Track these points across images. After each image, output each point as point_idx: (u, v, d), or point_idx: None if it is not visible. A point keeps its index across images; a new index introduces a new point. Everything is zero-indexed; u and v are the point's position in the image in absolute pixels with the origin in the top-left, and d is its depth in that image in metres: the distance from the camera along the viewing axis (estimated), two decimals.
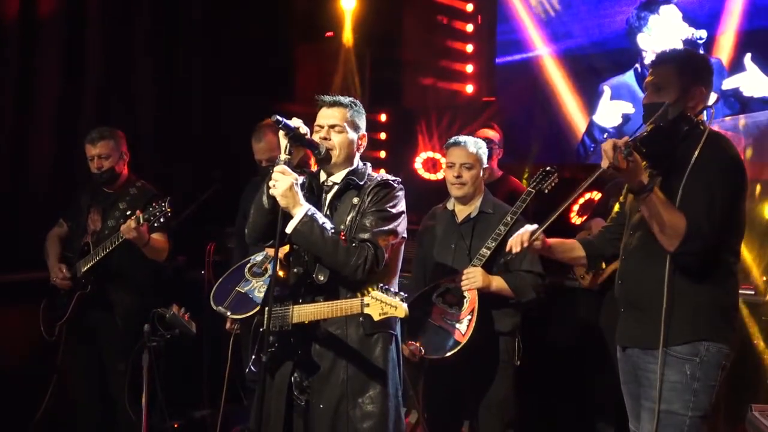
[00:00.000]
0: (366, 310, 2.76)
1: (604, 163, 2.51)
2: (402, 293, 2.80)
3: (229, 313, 3.69)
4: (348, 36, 6.58)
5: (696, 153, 2.60)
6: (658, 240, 2.64)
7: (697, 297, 2.69)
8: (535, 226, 2.93)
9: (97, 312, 4.18)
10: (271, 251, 3.48)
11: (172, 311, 3.75)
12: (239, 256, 4.18)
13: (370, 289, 2.78)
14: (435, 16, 6.73)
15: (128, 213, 4.09)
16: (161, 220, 3.88)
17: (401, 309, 2.75)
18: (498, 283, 3.67)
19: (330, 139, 2.97)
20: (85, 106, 5.29)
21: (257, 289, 3.69)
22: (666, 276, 2.64)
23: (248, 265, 3.86)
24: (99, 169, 4.20)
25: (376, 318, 2.76)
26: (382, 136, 6.69)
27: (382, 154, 6.69)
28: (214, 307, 3.71)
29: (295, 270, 2.98)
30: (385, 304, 2.74)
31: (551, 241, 3.03)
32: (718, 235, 2.64)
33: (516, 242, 2.91)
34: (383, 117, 6.72)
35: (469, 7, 6.69)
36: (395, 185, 3.01)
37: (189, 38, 5.93)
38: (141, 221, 3.88)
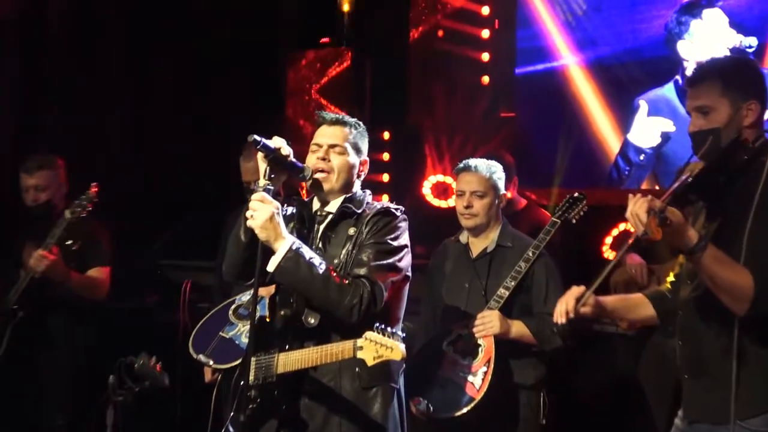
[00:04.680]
0: (359, 354, 2.71)
1: (639, 230, 2.33)
2: (400, 333, 2.76)
3: (211, 362, 3.67)
4: (346, 42, 6.62)
5: (759, 189, 2.43)
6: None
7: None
8: (582, 288, 2.68)
9: (37, 347, 4.16)
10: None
11: (141, 360, 3.71)
12: (220, 295, 4.16)
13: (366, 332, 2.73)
14: (445, 21, 6.75)
15: (68, 242, 4.17)
16: (89, 208, 4.02)
17: (398, 350, 2.69)
18: (518, 328, 3.64)
19: (329, 160, 2.95)
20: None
21: (244, 333, 3.66)
22: (735, 339, 2.48)
23: (233, 306, 3.85)
24: (34, 202, 4.28)
25: (370, 362, 2.71)
26: (385, 156, 6.68)
27: (385, 177, 6.67)
28: (194, 356, 3.69)
29: (282, 312, 2.94)
30: (379, 345, 2.69)
31: (608, 299, 2.82)
32: None
33: (561, 312, 2.65)
34: (386, 135, 6.71)
35: (485, 11, 6.71)
36: (397, 214, 3.00)
37: (171, 43, 5.99)
38: (50, 247, 4.00)
